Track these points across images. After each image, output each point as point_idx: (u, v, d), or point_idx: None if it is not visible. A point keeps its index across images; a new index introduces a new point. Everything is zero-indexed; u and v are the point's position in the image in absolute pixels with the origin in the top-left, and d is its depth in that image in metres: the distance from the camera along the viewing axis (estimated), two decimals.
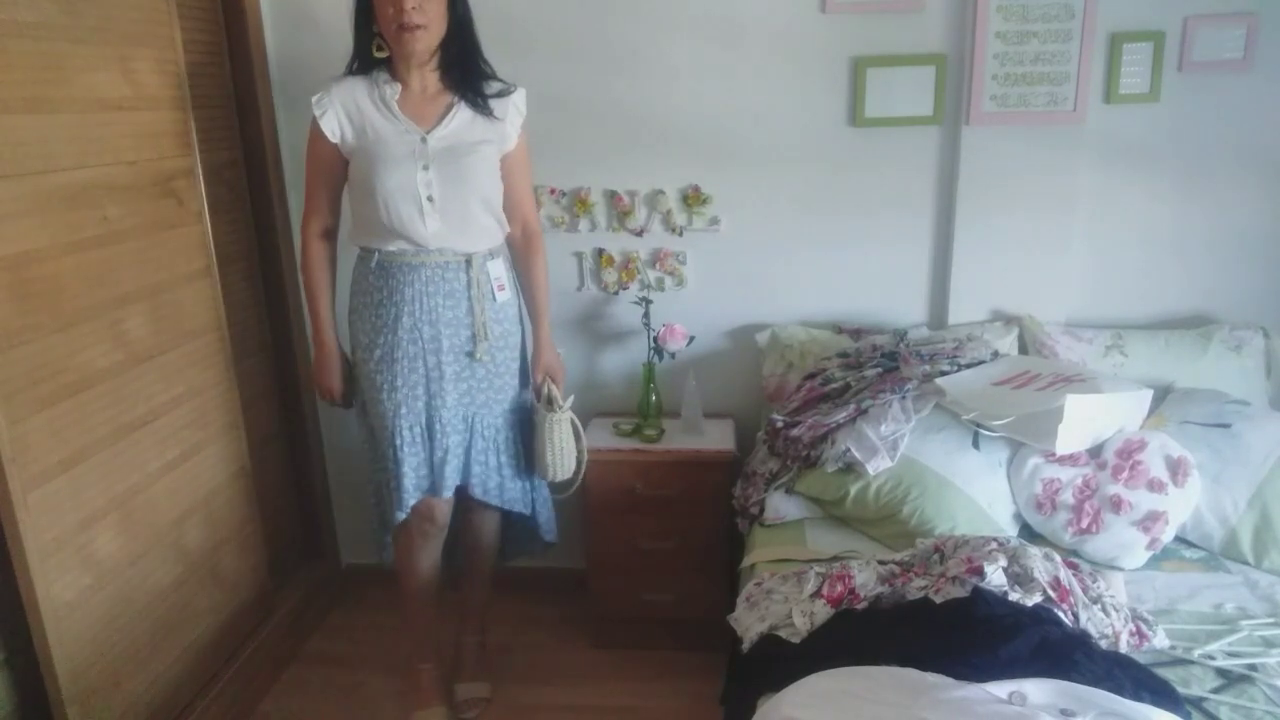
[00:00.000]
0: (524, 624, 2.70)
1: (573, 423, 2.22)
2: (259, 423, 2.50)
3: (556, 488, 2.33)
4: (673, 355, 2.50)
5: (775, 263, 2.55)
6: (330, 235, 2.13)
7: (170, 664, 2.07)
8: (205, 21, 2.26)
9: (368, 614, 2.77)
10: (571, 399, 2.22)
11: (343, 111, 1.98)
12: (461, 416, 2.08)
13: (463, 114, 2.01)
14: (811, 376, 2.33)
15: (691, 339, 2.49)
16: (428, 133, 1.98)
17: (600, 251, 2.58)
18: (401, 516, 2.08)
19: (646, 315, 2.49)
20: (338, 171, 2.05)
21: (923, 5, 2.33)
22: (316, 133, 2.00)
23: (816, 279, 2.55)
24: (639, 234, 2.56)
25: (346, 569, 2.92)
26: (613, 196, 2.53)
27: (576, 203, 2.53)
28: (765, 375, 2.50)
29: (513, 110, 2.07)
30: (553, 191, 2.54)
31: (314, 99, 1.99)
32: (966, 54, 2.33)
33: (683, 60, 2.42)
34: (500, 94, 2.06)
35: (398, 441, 2.04)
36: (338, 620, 2.78)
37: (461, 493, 2.15)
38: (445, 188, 1.97)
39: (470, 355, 2.06)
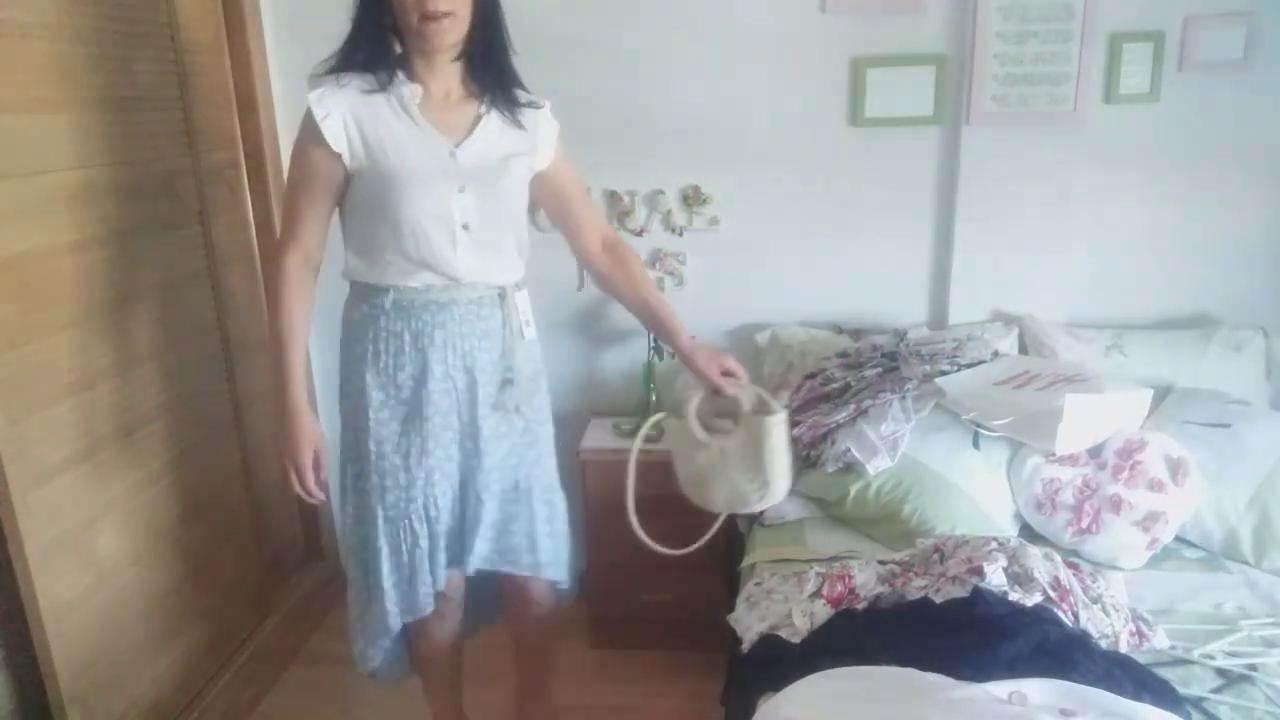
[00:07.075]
0: None
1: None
2: (258, 423, 2.50)
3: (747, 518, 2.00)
4: (673, 355, 2.49)
5: (775, 263, 2.55)
6: (314, 270, 1.68)
7: (170, 664, 2.07)
8: (205, 21, 2.26)
9: None
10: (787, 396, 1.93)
11: (350, 115, 1.56)
12: (506, 481, 1.75)
13: (492, 124, 1.66)
14: (811, 376, 2.33)
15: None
16: (456, 146, 1.62)
17: None
18: (416, 615, 1.73)
19: None
20: (335, 190, 1.63)
21: (923, 5, 2.33)
22: (313, 141, 1.57)
23: (816, 279, 2.55)
24: (639, 234, 2.55)
25: None
26: (613, 196, 2.53)
27: None
28: (765, 375, 2.50)
29: (544, 122, 1.75)
30: None
31: (312, 95, 1.56)
32: (966, 54, 2.33)
33: (683, 60, 2.42)
34: (530, 104, 1.74)
35: (430, 514, 1.68)
36: (338, 620, 2.77)
37: (504, 585, 1.87)
38: (483, 212, 1.62)
39: (503, 407, 1.72)
